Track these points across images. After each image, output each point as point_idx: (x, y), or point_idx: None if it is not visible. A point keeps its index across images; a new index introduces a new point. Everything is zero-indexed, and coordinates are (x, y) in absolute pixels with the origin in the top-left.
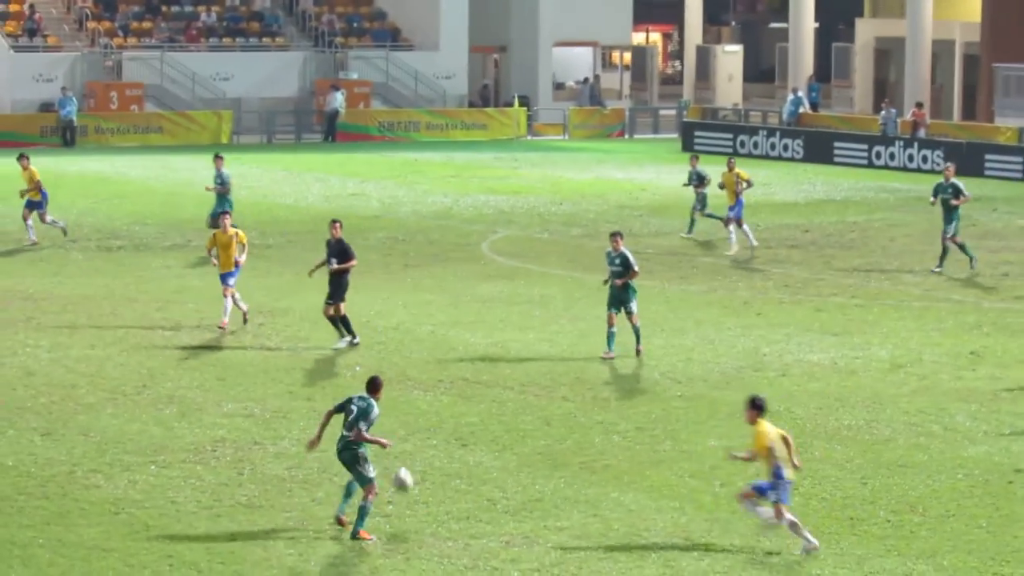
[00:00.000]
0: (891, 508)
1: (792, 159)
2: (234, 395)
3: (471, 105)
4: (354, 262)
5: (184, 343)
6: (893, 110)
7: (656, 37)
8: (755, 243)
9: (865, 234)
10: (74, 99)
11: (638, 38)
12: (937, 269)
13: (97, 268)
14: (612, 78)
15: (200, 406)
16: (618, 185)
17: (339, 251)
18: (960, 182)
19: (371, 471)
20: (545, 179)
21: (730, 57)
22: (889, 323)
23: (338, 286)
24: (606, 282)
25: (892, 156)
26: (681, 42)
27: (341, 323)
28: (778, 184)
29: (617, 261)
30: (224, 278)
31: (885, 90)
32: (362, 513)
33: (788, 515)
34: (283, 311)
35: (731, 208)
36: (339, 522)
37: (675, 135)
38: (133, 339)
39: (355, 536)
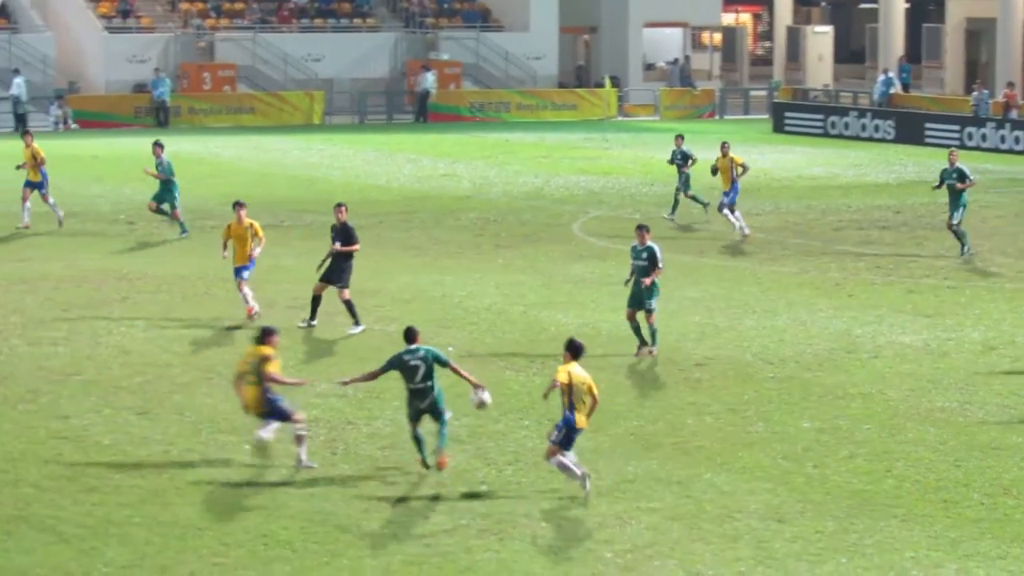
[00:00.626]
0: (985, 491)
1: (883, 140)
2: (327, 375)
3: (562, 86)
4: (357, 246)
5: (277, 322)
6: (985, 91)
7: (746, 18)
8: (747, 231)
9: None
10: (167, 80)
11: (728, 19)
12: (965, 254)
13: (191, 248)
14: (702, 59)
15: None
16: (709, 166)
17: (344, 234)
18: (965, 166)
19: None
20: (636, 160)
21: (820, 38)
22: (981, 304)
23: (341, 270)
24: (628, 282)
25: (984, 137)
26: (771, 23)
27: (347, 308)
28: (869, 165)
29: (644, 255)
30: (238, 271)
31: (976, 71)
32: (445, 436)
33: (559, 458)
34: (373, 291)
35: (725, 194)
36: (425, 466)
37: (766, 116)
38: (227, 319)
39: (440, 465)
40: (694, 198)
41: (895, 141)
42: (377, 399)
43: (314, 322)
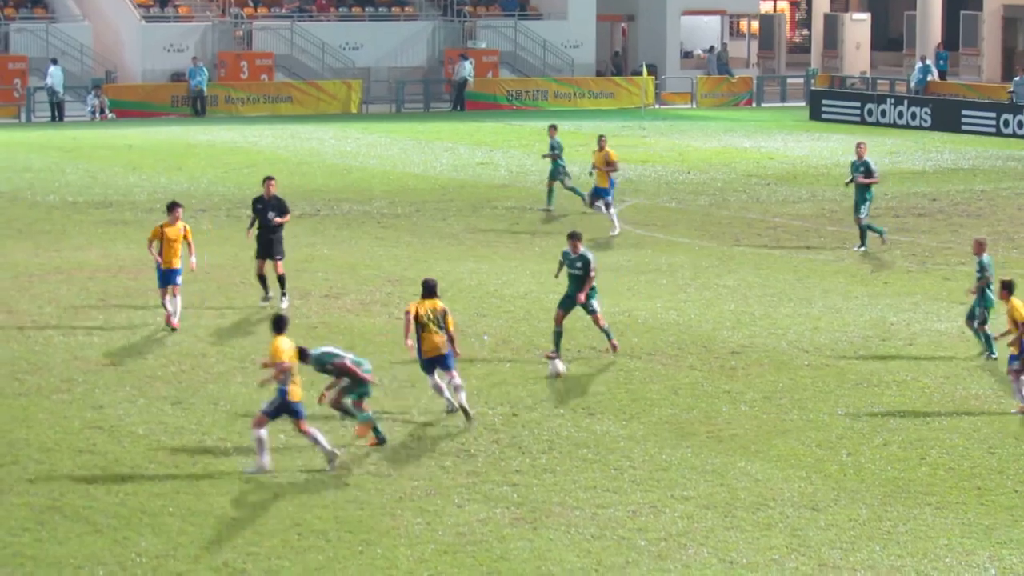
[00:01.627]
0: (1019, 478)
1: (920, 127)
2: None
3: (599, 74)
4: (288, 217)
5: (313, 312)
6: None
7: (784, 5)
8: (617, 231)
9: (993, 203)
10: (204, 69)
11: (766, 6)
12: (859, 248)
13: (227, 237)
14: (740, 46)
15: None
16: (746, 154)
17: (278, 206)
18: (872, 161)
19: None
20: (673, 148)
21: (858, 25)
22: (1017, 292)
23: (278, 241)
24: (558, 276)
25: (1020, 124)
26: (809, 10)
27: (279, 282)
28: (905, 152)
29: (579, 264)
30: (168, 276)
31: (1013, 58)
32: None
33: (260, 431)
34: (411, 280)
35: (605, 191)
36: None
37: (803, 103)
38: (262, 308)
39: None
40: (572, 189)
41: (932, 128)
42: (411, 388)
43: (270, 295)
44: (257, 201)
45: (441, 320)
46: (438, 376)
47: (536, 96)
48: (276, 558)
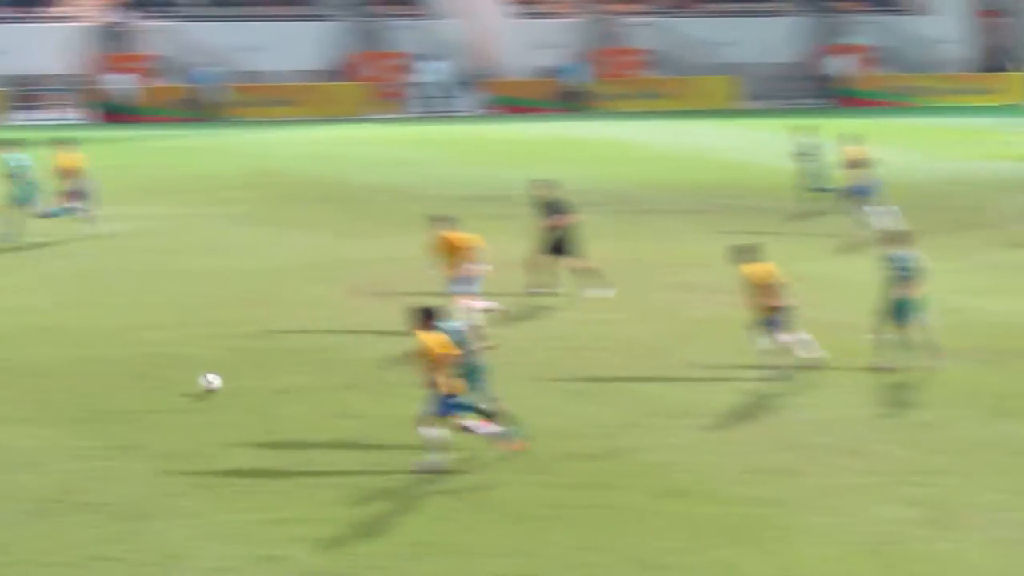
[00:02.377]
0: None
1: None
2: (761, 361)
3: (977, 70)
4: (565, 219)
5: (700, 307)
6: None
7: None
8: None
9: None
10: (582, 65)
11: None
12: None
13: (602, 233)
14: None
15: (726, 370)
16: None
17: (555, 208)
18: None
19: None
20: None
21: None
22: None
23: (563, 241)
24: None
25: None
26: None
27: (583, 275)
28: None
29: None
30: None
31: None
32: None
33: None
34: (812, 277)
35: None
36: None
37: None
38: (650, 303)
39: None
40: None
41: None
42: (814, 388)
43: (559, 289)
44: (543, 203)
45: None
46: None
47: (909, 92)
48: (688, 553)
